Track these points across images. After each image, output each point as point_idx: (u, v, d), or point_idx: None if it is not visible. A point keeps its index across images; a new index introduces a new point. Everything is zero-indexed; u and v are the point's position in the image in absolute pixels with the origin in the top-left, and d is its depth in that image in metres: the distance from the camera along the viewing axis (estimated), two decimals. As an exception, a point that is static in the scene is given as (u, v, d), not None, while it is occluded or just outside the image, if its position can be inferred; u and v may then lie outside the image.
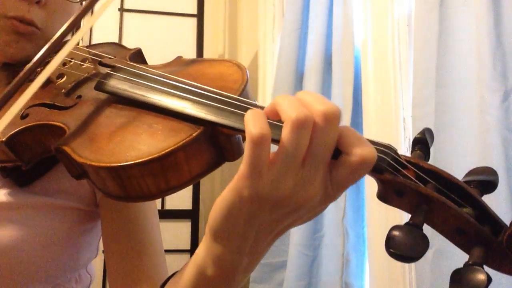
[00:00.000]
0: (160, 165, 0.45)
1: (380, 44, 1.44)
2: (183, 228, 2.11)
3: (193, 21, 2.29)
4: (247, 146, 0.38)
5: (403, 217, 1.25)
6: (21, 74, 0.51)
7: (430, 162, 0.45)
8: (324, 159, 0.39)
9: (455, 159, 1.07)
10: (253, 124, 0.37)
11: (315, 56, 1.67)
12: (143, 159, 0.44)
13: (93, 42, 2.38)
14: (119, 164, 0.45)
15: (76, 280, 0.70)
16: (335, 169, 0.40)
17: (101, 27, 2.18)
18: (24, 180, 0.64)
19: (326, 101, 0.39)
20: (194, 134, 0.45)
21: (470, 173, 0.44)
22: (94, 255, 0.73)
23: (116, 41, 2.22)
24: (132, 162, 0.44)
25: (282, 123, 0.39)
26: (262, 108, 0.44)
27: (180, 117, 0.48)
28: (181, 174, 0.46)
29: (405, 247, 0.37)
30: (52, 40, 0.53)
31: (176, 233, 2.10)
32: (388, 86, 1.40)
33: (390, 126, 1.38)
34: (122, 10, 2.22)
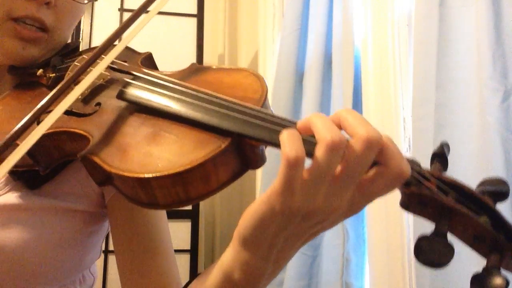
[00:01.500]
0: (191, 176, 0.46)
1: (380, 44, 1.44)
2: (183, 228, 2.11)
3: (193, 21, 2.29)
4: (282, 166, 0.39)
5: (403, 218, 1.26)
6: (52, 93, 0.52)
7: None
8: (357, 179, 0.41)
9: (455, 159, 1.07)
10: (289, 146, 0.39)
11: (315, 56, 1.67)
12: (175, 171, 0.45)
13: (94, 42, 2.37)
14: (151, 175, 0.46)
15: (80, 281, 0.70)
16: (368, 180, 0.41)
17: (101, 27, 2.18)
18: (34, 183, 0.64)
19: (368, 125, 0.40)
20: (223, 146, 0.46)
21: (484, 183, 0.47)
22: (98, 255, 0.74)
23: (116, 41, 2.23)
24: (166, 173, 0.45)
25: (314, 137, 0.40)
26: (284, 120, 0.46)
27: (207, 128, 0.48)
28: (210, 183, 0.47)
29: (434, 254, 0.40)
30: (91, 56, 0.55)
31: (176, 233, 2.10)
32: (388, 86, 1.40)
33: (390, 126, 1.38)
34: (122, 10, 2.22)
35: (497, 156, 0.98)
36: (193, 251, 2.09)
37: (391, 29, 1.42)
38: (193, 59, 2.24)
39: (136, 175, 0.46)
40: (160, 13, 2.32)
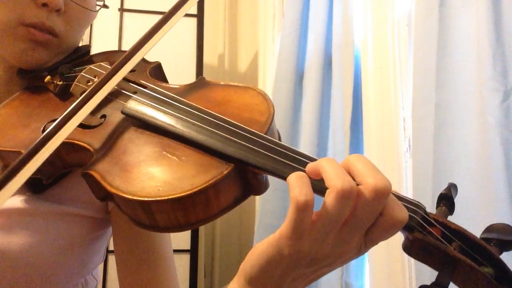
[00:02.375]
0: (191, 201, 0.45)
1: (380, 44, 1.44)
2: (183, 228, 2.11)
3: (193, 21, 2.28)
4: (291, 210, 0.39)
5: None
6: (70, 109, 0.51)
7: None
8: (365, 226, 0.41)
9: (455, 159, 1.07)
10: (298, 190, 0.39)
11: (315, 56, 1.67)
12: (175, 196, 0.45)
13: (93, 42, 2.36)
14: (151, 199, 0.45)
15: (83, 284, 0.70)
16: (369, 228, 0.42)
17: (101, 27, 2.18)
18: (39, 187, 0.63)
19: (377, 174, 0.40)
20: (225, 172, 0.45)
21: (490, 229, 0.45)
22: (101, 260, 0.74)
23: (116, 41, 2.22)
24: (165, 198, 0.45)
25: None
26: (288, 148, 0.46)
27: (210, 151, 0.48)
28: (210, 208, 0.46)
29: None
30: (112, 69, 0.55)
31: (176, 233, 2.10)
32: (388, 86, 1.40)
33: (390, 126, 1.38)
34: (122, 10, 2.22)
35: (497, 156, 0.98)
36: (193, 251, 2.08)
37: (391, 29, 1.42)
38: (193, 59, 2.24)
39: (136, 198, 0.46)
40: (160, 13, 2.32)
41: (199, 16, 2.29)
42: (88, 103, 0.52)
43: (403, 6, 1.41)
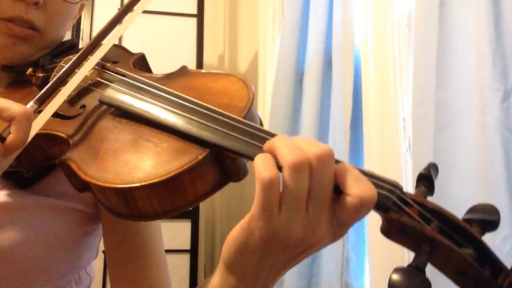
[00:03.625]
0: (166, 188, 0.45)
1: (380, 44, 1.44)
2: (183, 228, 2.11)
3: (193, 21, 2.28)
4: (257, 189, 0.39)
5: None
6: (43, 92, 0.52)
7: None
8: (325, 200, 0.41)
9: (455, 159, 1.07)
10: (262, 168, 0.39)
11: (315, 56, 1.67)
12: (149, 182, 0.44)
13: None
14: (125, 186, 0.45)
15: (76, 281, 0.69)
16: (338, 208, 0.41)
17: (101, 27, 2.18)
18: (25, 182, 0.63)
19: (318, 143, 0.41)
20: (200, 157, 0.45)
21: (472, 210, 0.43)
22: (95, 256, 0.73)
23: (117, 41, 2.22)
24: (139, 185, 0.44)
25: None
26: (266, 132, 0.46)
27: (186, 137, 0.47)
28: (186, 195, 0.46)
29: None
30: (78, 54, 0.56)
31: (176, 233, 2.10)
32: (388, 86, 1.40)
33: (390, 126, 1.38)
34: (122, 10, 2.22)
35: (497, 156, 0.98)
36: (193, 251, 2.09)
37: (391, 29, 1.42)
38: (193, 59, 2.24)
39: (109, 185, 0.46)
40: (160, 13, 2.32)
41: (199, 16, 2.29)
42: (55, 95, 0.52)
43: (403, 6, 1.41)
